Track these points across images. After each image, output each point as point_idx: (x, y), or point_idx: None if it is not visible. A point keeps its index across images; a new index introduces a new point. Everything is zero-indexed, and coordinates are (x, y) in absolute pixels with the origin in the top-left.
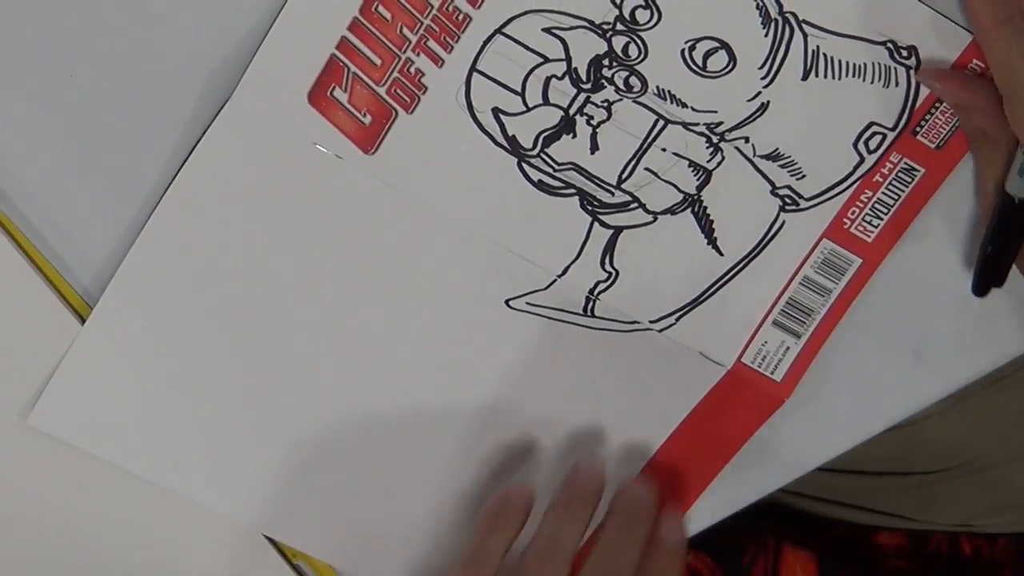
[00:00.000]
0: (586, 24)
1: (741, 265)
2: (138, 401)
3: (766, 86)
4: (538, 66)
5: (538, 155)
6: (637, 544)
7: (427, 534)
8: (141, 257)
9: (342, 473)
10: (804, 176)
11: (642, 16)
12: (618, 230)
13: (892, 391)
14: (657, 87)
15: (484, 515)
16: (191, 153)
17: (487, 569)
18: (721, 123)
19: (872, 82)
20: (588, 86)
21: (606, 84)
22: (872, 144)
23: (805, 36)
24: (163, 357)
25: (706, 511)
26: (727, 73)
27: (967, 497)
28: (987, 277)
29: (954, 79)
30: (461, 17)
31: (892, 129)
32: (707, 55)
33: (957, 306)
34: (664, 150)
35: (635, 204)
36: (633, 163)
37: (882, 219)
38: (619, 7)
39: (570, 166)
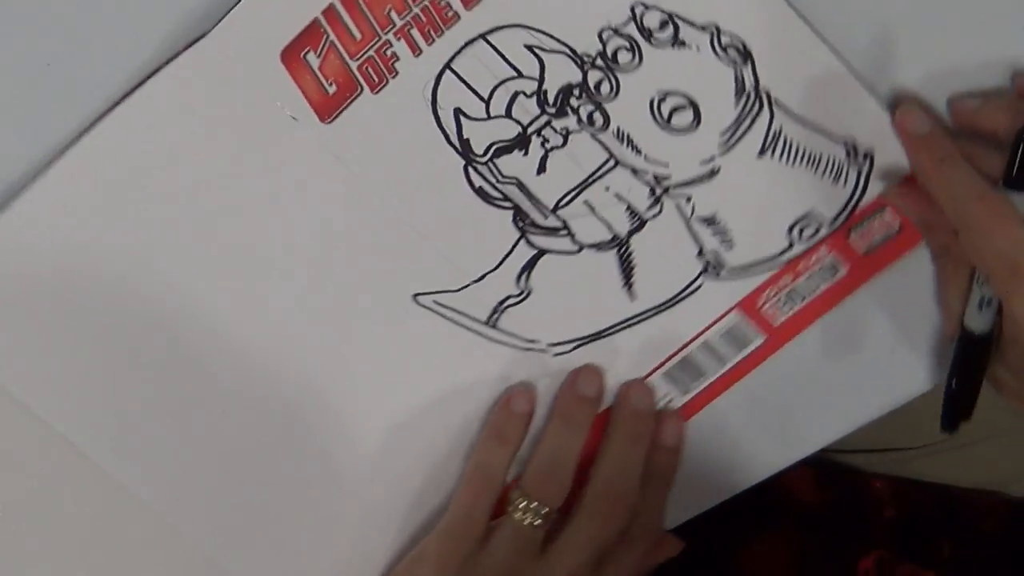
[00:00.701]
0: (568, 51)
1: (649, 314)
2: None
3: (722, 153)
4: (510, 79)
5: (486, 163)
6: (642, 453)
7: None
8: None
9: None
10: (733, 247)
11: (623, 58)
12: (542, 252)
13: (866, 389)
14: (618, 128)
15: (487, 429)
16: (150, 77)
17: (491, 484)
18: (669, 177)
19: (823, 175)
20: (553, 111)
21: (570, 113)
22: (806, 233)
23: (772, 115)
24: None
25: (691, 502)
26: (688, 132)
27: (950, 473)
28: (956, 411)
29: (918, 196)
30: (450, 14)
31: (829, 225)
32: (674, 110)
33: (930, 306)
34: (607, 189)
35: (565, 232)
36: (574, 193)
37: (794, 306)
38: (604, 44)
39: (513, 181)
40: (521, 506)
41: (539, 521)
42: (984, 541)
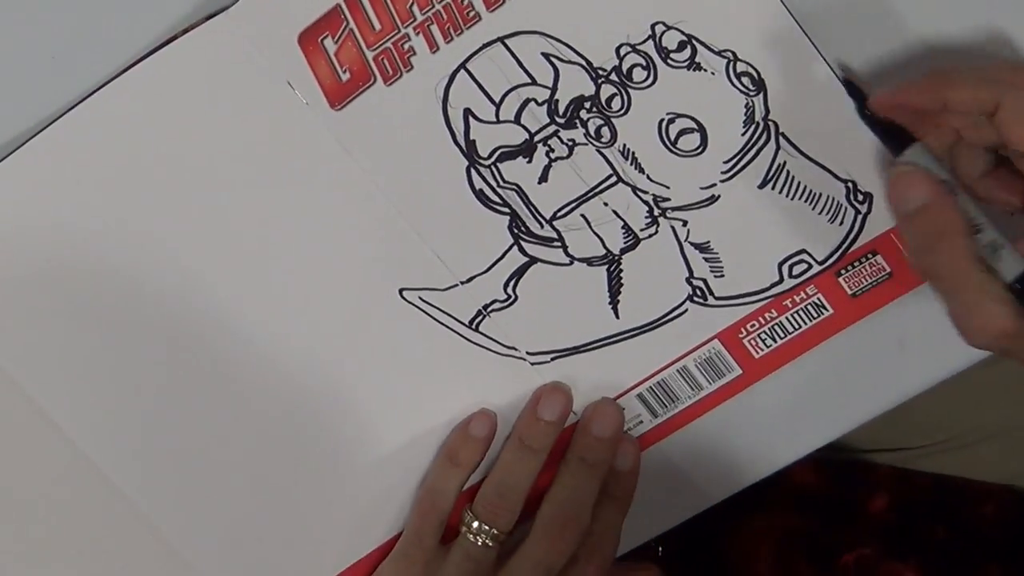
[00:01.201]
0: (584, 63)
1: (631, 334)
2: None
3: (723, 181)
4: (523, 85)
5: (489, 167)
6: (597, 478)
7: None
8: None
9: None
10: (722, 276)
11: (638, 75)
12: (533, 260)
13: (877, 381)
14: (624, 145)
15: (443, 451)
16: (160, 47)
17: (442, 505)
18: (668, 199)
19: (820, 212)
20: (562, 121)
21: (578, 125)
22: (796, 270)
23: (778, 148)
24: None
25: (697, 496)
26: (693, 156)
27: (949, 472)
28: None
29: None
30: (472, 14)
31: (820, 263)
32: (681, 133)
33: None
34: (606, 204)
35: (558, 243)
36: (573, 205)
37: (776, 342)
38: (620, 59)
39: (514, 187)
40: (473, 527)
41: (490, 542)
42: (983, 526)
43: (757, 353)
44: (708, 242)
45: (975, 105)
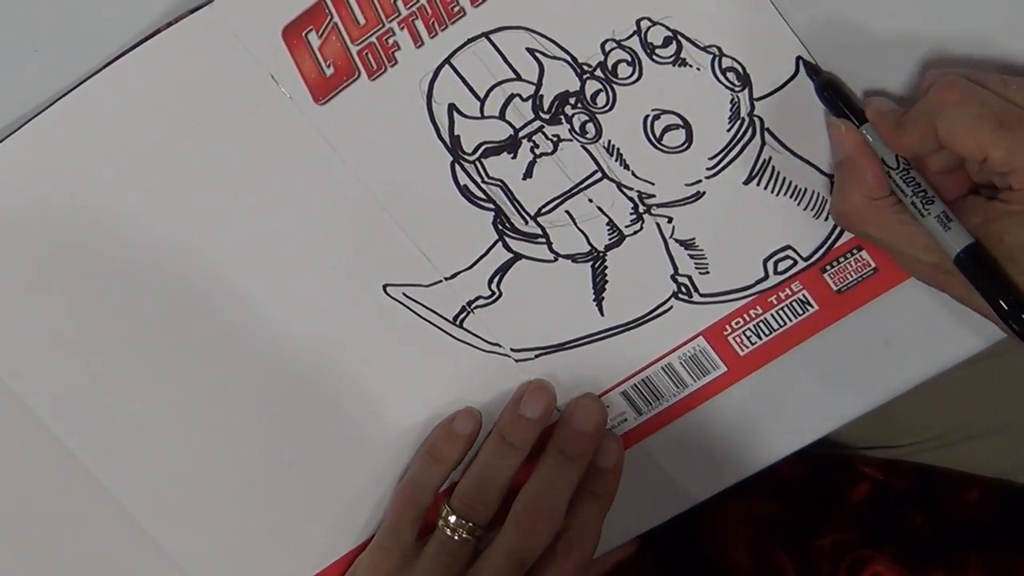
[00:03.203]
0: (569, 59)
1: (616, 331)
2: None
3: (708, 177)
4: (508, 81)
5: (473, 162)
6: (574, 472)
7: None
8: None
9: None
10: (707, 272)
11: (623, 71)
12: (517, 257)
13: (862, 379)
14: (609, 141)
15: (425, 446)
16: (144, 40)
17: (420, 500)
18: (653, 196)
19: (806, 208)
20: (546, 117)
21: (563, 121)
22: (781, 266)
23: (763, 143)
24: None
25: (681, 495)
26: (678, 152)
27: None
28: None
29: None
30: (456, 9)
31: (805, 259)
32: (667, 129)
33: (927, 298)
34: (590, 201)
35: (543, 239)
36: (557, 201)
37: (761, 339)
38: (605, 55)
39: (498, 183)
40: (451, 521)
41: (466, 536)
42: (965, 512)
43: (742, 350)
44: (693, 239)
45: (922, 146)
